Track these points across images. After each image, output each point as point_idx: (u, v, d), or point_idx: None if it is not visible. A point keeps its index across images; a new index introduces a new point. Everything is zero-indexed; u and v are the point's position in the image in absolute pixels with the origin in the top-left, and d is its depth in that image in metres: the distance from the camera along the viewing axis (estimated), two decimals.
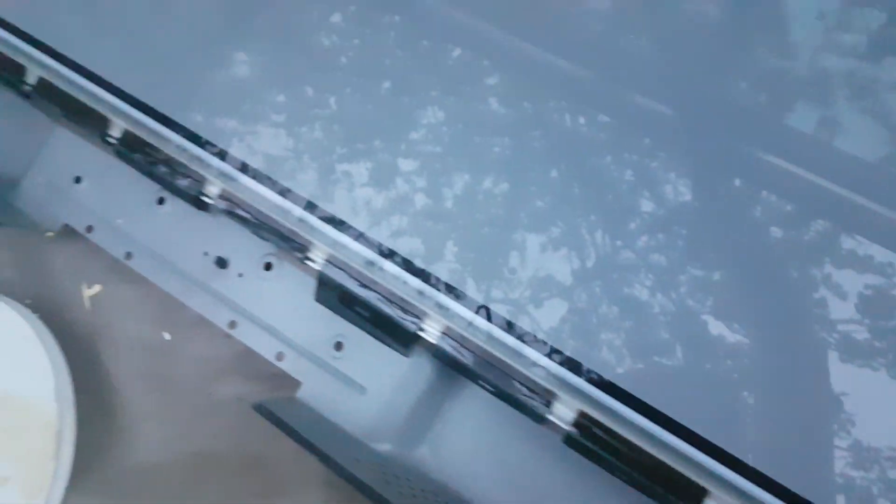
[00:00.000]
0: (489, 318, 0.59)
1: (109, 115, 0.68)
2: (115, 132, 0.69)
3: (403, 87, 0.66)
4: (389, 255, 0.62)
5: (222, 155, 0.66)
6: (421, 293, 0.60)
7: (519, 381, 0.58)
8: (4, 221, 0.72)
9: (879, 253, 0.53)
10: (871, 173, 0.56)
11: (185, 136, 0.67)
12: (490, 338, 0.59)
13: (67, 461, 0.68)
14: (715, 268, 0.57)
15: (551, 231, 0.61)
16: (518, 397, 0.59)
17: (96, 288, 0.75)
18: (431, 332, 0.62)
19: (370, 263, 0.62)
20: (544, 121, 0.64)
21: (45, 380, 0.69)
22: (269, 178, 0.65)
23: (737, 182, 0.59)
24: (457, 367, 0.61)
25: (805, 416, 0.54)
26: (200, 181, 0.67)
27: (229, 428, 0.72)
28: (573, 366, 0.57)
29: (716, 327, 0.55)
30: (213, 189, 0.67)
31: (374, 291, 0.63)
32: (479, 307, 0.60)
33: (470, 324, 0.59)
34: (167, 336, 0.73)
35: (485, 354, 0.60)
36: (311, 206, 0.64)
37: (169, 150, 0.67)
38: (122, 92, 0.68)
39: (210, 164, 0.65)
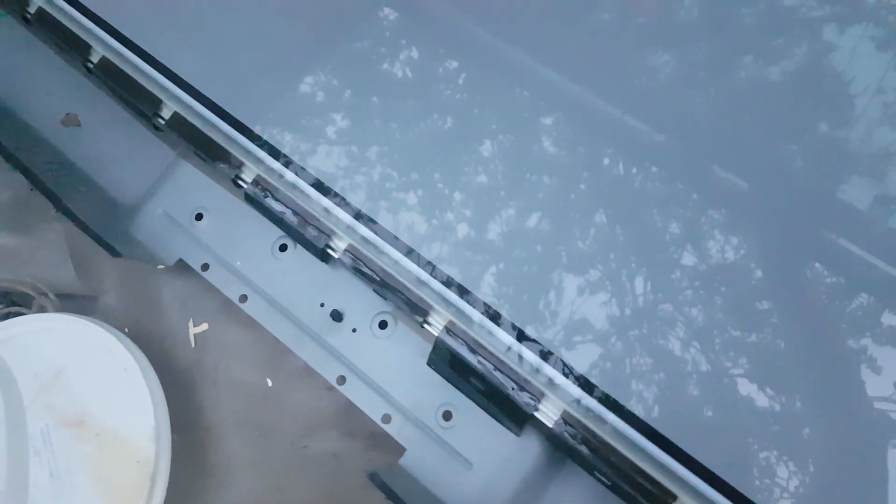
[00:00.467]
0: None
1: (244, 160, 0.68)
2: (248, 176, 0.69)
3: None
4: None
5: (353, 210, 0.66)
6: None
7: (640, 479, 0.56)
8: (123, 252, 0.72)
9: None
10: None
11: (313, 186, 0.67)
12: (612, 430, 0.57)
13: (158, 503, 0.67)
14: (753, 329, 0.57)
15: (590, 274, 0.62)
16: (638, 498, 0.57)
17: (203, 326, 0.75)
18: (548, 414, 0.60)
19: (490, 333, 0.61)
20: (595, 165, 0.65)
21: (145, 417, 0.68)
22: (396, 238, 0.64)
23: (782, 247, 0.59)
24: (573, 455, 0.59)
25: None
26: (328, 234, 0.66)
27: (320, 484, 0.70)
28: (698, 468, 0.55)
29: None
30: (340, 243, 0.66)
31: (493, 365, 0.61)
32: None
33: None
34: (269, 383, 0.72)
35: (602, 444, 0.58)
36: (433, 270, 0.63)
37: (300, 200, 0.67)
38: (256, 136, 0.69)
39: (340, 219, 0.65)
